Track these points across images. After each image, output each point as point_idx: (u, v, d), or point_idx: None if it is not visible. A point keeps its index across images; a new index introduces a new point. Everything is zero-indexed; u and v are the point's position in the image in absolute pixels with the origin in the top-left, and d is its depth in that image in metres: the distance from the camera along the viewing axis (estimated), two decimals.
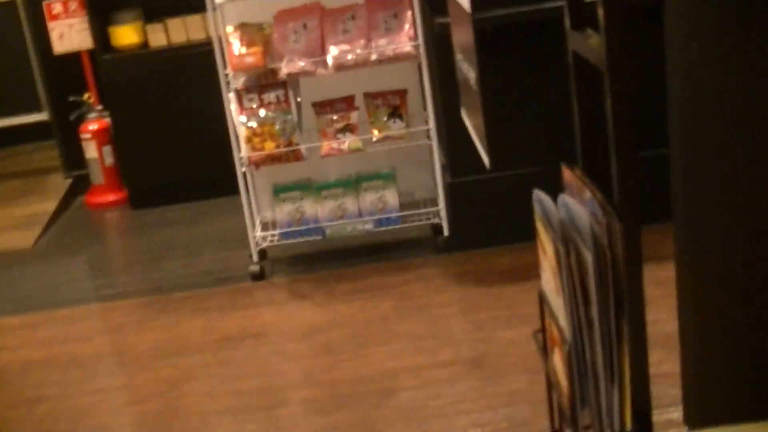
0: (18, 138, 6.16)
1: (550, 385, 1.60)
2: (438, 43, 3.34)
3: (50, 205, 4.99)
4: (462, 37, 2.43)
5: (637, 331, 1.27)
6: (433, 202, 3.64)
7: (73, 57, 4.89)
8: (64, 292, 3.87)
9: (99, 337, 3.54)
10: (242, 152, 3.51)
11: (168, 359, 3.16)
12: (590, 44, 1.31)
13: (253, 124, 3.48)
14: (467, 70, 2.40)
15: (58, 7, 4.80)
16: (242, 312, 3.43)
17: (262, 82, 3.53)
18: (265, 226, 3.75)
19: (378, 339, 3.03)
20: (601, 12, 1.19)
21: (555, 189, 1.48)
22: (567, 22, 1.46)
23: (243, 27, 3.55)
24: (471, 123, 2.57)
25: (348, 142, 3.52)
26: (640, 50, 1.99)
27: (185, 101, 4.59)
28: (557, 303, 1.43)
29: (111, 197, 4.95)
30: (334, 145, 3.52)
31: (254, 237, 3.62)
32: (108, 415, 2.96)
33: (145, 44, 4.69)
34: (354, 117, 3.56)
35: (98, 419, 2.93)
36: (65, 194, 5.15)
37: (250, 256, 3.63)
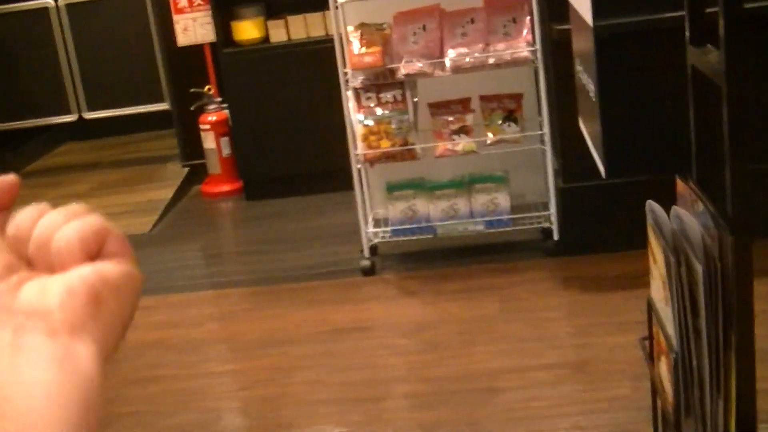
0: (140, 126, 6.37)
1: (655, 392, 1.62)
2: (555, 49, 3.36)
3: (168, 193, 5.15)
4: (582, 44, 2.45)
5: (744, 344, 1.29)
6: (544, 206, 3.66)
7: (196, 50, 5.03)
8: (179, 278, 4.00)
9: (211, 323, 3.65)
10: (358, 149, 3.58)
11: (277, 348, 3.25)
12: (709, 60, 1.33)
13: (370, 122, 3.55)
14: (586, 80, 2.42)
15: (183, 1, 4.95)
16: (351, 305, 3.51)
17: (380, 81, 3.60)
18: (377, 223, 3.81)
19: (483, 338, 3.07)
20: (721, 27, 1.21)
21: (668, 199, 1.50)
22: (687, 36, 1.48)
23: (363, 27, 3.62)
24: (587, 130, 2.59)
25: (462, 143, 3.56)
26: (757, 61, 1.99)
27: (302, 96, 4.68)
28: (665, 312, 1.46)
29: (226, 187, 5.08)
30: (449, 146, 3.57)
31: (366, 233, 3.68)
32: (217, 399, 3.07)
33: (265, 39, 4.80)
34: (469, 119, 3.60)
35: (208, 402, 3.03)
36: (182, 182, 5.30)
37: (361, 251, 3.70)
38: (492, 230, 3.65)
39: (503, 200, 3.64)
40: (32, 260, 0.48)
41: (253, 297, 3.73)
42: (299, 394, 2.94)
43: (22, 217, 0.49)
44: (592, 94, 2.34)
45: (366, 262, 3.68)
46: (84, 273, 0.46)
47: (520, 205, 3.72)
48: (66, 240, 0.47)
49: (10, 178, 0.52)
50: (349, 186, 3.71)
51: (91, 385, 0.43)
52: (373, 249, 3.74)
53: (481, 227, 3.65)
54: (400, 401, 2.86)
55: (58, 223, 0.48)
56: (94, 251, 0.48)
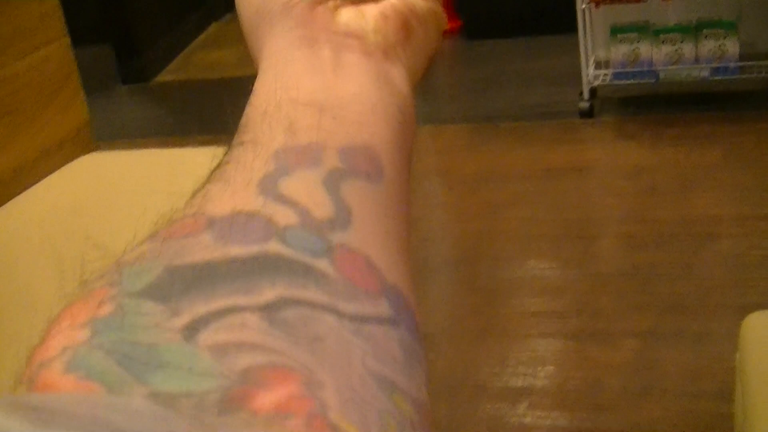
0: None
1: None
2: None
3: None
4: None
5: None
6: None
7: None
8: None
9: (428, 157, 3.74)
10: None
11: (493, 183, 3.31)
12: None
13: None
14: None
15: None
16: (568, 146, 3.52)
17: None
18: (597, 65, 3.77)
19: (703, 185, 3.04)
20: None
21: None
22: None
23: None
24: None
25: None
26: None
27: None
28: None
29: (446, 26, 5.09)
30: None
31: (586, 75, 3.65)
32: (433, 230, 3.17)
33: None
34: None
35: (424, 232, 3.14)
36: None
37: (581, 94, 3.68)
38: (718, 78, 3.55)
39: (732, 47, 3.52)
40: None
41: (470, 134, 3.79)
42: (513, 228, 3.01)
43: None
44: None
45: (585, 104, 3.66)
46: (395, 3, 0.47)
47: (750, 53, 3.59)
48: None
49: None
50: (570, 27, 3.67)
51: (407, 104, 0.44)
52: (593, 91, 3.71)
53: (706, 74, 3.55)
54: (615, 240, 2.89)
55: None
56: None
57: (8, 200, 1.61)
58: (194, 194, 0.39)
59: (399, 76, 0.45)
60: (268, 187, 0.37)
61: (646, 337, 2.39)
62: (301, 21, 0.45)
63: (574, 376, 2.34)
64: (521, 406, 2.25)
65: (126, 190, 1.59)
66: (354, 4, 0.47)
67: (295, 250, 0.35)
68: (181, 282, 0.33)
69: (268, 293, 0.33)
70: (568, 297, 2.61)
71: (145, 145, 3.93)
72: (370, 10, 0.46)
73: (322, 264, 0.35)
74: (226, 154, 0.41)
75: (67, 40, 1.86)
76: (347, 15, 0.45)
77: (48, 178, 1.69)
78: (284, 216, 0.36)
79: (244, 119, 0.42)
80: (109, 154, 1.86)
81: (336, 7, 0.46)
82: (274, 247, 0.35)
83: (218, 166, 0.40)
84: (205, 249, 0.34)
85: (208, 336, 0.31)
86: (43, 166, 1.73)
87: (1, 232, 1.52)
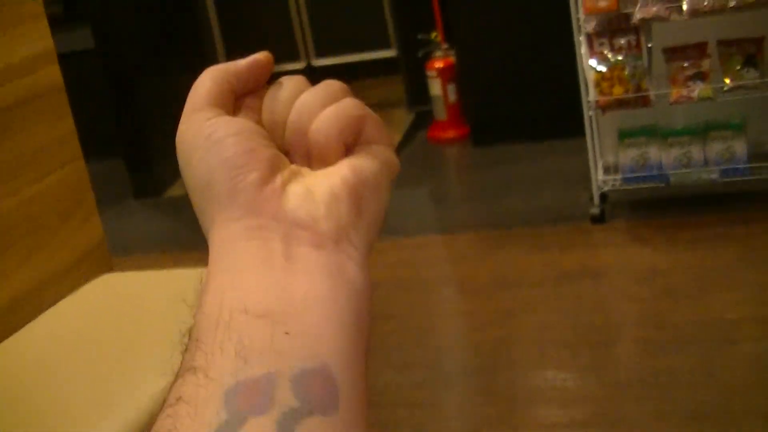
0: (367, 73, 6.50)
1: None
2: None
3: (395, 138, 5.26)
4: None
5: None
6: None
7: None
8: (410, 221, 4.10)
9: (442, 265, 3.74)
10: (590, 96, 3.56)
11: (507, 290, 3.30)
12: None
13: (603, 68, 3.52)
14: None
15: None
16: (581, 251, 3.51)
17: (614, 26, 3.55)
18: (606, 170, 3.78)
19: (720, 287, 3.01)
20: None
21: None
22: None
23: None
24: None
25: (698, 89, 3.48)
26: None
27: (531, 41, 4.67)
28: None
29: (452, 133, 5.14)
30: (684, 92, 3.49)
31: (596, 180, 3.67)
32: (450, 338, 3.16)
33: None
34: (706, 64, 3.51)
35: (441, 341, 3.12)
36: (409, 128, 5.40)
37: (591, 199, 3.69)
38: (728, 179, 3.56)
39: (740, 148, 3.54)
40: (288, 144, 0.47)
41: (481, 240, 3.79)
42: (529, 336, 2.99)
43: (278, 99, 0.49)
44: None
45: (596, 210, 3.67)
46: (346, 176, 0.45)
47: (759, 153, 3.61)
48: (325, 133, 0.46)
49: (263, 55, 0.52)
50: (577, 132, 3.70)
51: (361, 295, 0.42)
52: (603, 196, 3.72)
53: (716, 176, 3.56)
54: (632, 346, 2.86)
55: (315, 108, 0.47)
56: (352, 141, 0.47)
57: (27, 321, 1.61)
58: None
59: (351, 266, 0.43)
60: None
61: None
62: (248, 210, 0.43)
63: None
64: None
65: (140, 313, 1.59)
66: (300, 160, 0.46)
67: None
68: None
69: None
70: (587, 406, 2.57)
71: (160, 259, 3.93)
72: (321, 191, 0.44)
73: None
74: (179, 376, 0.39)
75: (82, 161, 1.88)
76: (296, 200, 0.43)
77: (65, 299, 1.69)
78: None
79: (195, 330, 0.41)
80: (122, 275, 1.86)
81: (284, 184, 0.44)
82: None
83: (171, 402, 0.39)
84: None
85: None
86: (62, 284, 1.73)
87: (19, 357, 1.52)
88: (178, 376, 0.40)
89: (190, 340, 0.41)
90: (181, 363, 0.40)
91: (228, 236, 0.43)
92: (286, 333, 0.39)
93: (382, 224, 0.47)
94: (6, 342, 1.54)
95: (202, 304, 0.42)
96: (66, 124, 1.84)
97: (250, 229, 0.43)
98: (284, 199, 0.43)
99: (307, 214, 0.43)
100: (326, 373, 0.39)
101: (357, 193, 0.45)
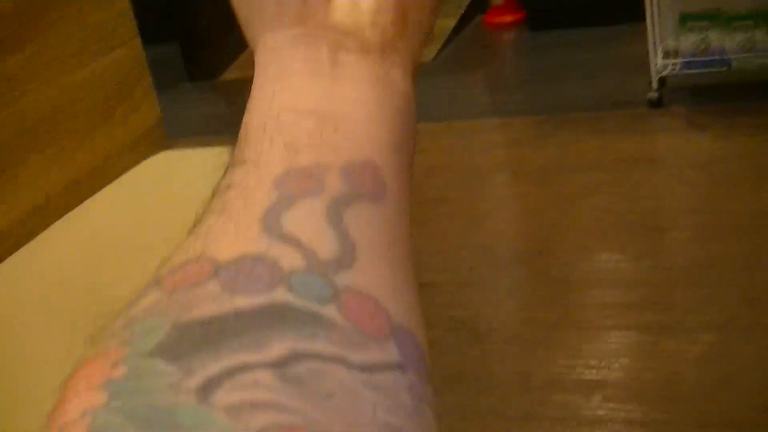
0: None
1: None
2: None
3: (450, 22, 5.18)
4: None
5: None
6: None
7: None
8: (464, 105, 4.08)
9: (496, 150, 3.73)
10: None
11: (562, 175, 3.29)
12: None
13: None
14: None
15: None
16: (638, 136, 3.48)
17: None
18: (666, 54, 3.72)
19: None
20: None
21: None
22: None
23: None
24: None
25: None
26: None
27: None
28: None
29: (509, 18, 5.06)
30: None
31: (655, 64, 3.61)
32: (505, 222, 3.17)
33: None
34: None
35: (496, 225, 3.14)
36: (465, 12, 5.32)
37: (649, 83, 3.63)
38: None
39: None
40: None
41: (537, 125, 3.76)
42: (584, 220, 2.99)
43: None
44: None
45: (654, 94, 3.62)
46: None
47: None
48: None
49: None
50: (637, 17, 3.63)
51: (408, 103, 0.43)
52: (662, 81, 3.66)
53: None
54: (689, 232, 2.85)
55: None
56: None
57: (87, 196, 1.64)
58: (199, 223, 0.38)
59: (398, 74, 0.43)
60: (272, 224, 0.36)
61: (722, 329, 2.36)
62: (295, 19, 0.43)
63: (649, 369, 2.32)
64: (595, 399, 2.23)
65: (198, 188, 1.61)
66: None
67: (302, 298, 0.35)
68: (190, 340, 0.33)
69: (278, 347, 0.33)
70: (641, 289, 2.58)
71: (213, 143, 3.96)
72: (366, 3, 0.43)
73: (330, 311, 0.35)
74: (228, 170, 0.40)
75: (139, 40, 1.89)
76: (342, 9, 0.43)
77: (123, 176, 1.72)
78: (289, 259, 0.36)
79: (243, 130, 0.42)
80: (180, 152, 1.88)
81: None
82: (281, 295, 0.34)
83: (221, 189, 0.39)
84: (212, 301, 0.34)
85: (222, 396, 0.31)
86: (119, 163, 1.76)
87: (83, 229, 1.55)
88: (226, 171, 0.40)
89: (238, 140, 0.42)
90: (230, 159, 0.41)
91: (274, 45, 0.43)
92: (335, 130, 0.40)
93: (429, 38, 0.46)
94: (66, 217, 1.58)
95: (249, 109, 0.42)
96: (123, 4, 1.84)
97: (297, 37, 0.43)
98: (330, 8, 0.43)
99: (353, 22, 0.43)
100: (374, 167, 0.40)
101: (403, 6, 0.44)
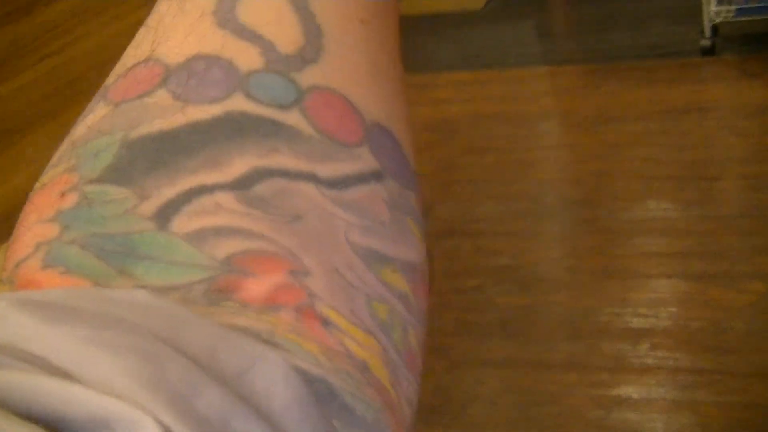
0: None
1: None
2: None
3: None
4: None
5: None
6: None
7: None
8: (512, 54, 4.05)
9: (544, 98, 3.70)
10: None
11: (611, 124, 3.26)
12: None
13: None
14: None
15: None
16: (689, 86, 3.44)
17: None
18: (719, 1, 3.66)
19: None
20: None
21: None
22: None
23: None
24: None
25: None
26: None
27: None
28: None
29: None
30: None
31: (708, 12, 3.55)
32: (552, 171, 3.15)
33: None
34: None
35: (543, 173, 3.12)
36: None
37: (701, 31, 3.58)
38: None
39: None
40: None
41: (587, 75, 3.73)
42: (633, 169, 2.97)
43: None
44: None
45: (706, 42, 3.57)
46: None
47: None
48: None
49: None
50: None
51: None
52: (714, 29, 3.61)
53: None
54: (738, 181, 2.83)
55: None
56: None
57: None
58: (150, 17, 0.34)
59: None
60: (227, 14, 0.32)
61: None
62: None
63: (697, 318, 2.31)
64: (643, 347, 2.24)
65: None
66: None
67: (262, 105, 0.31)
68: (142, 159, 0.30)
69: (238, 165, 0.30)
70: (690, 238, 2.57)
71: None
72: None
73: (293, 117, 0.31)
74: None
75: None
76: None
77: None
78: (247, 57, 0.32)
79: None
80: None
81: None
82: (238, 103, 0.31)
83: None
84: (163, 113, 0.31)
85: (182, 222, 0.29)
86: None
87: None
88: None
89: None
90: None
91: None
92: None
93: None
94: None
95: None
96: None
97: None
98: None
99: None
100: None
101: None
